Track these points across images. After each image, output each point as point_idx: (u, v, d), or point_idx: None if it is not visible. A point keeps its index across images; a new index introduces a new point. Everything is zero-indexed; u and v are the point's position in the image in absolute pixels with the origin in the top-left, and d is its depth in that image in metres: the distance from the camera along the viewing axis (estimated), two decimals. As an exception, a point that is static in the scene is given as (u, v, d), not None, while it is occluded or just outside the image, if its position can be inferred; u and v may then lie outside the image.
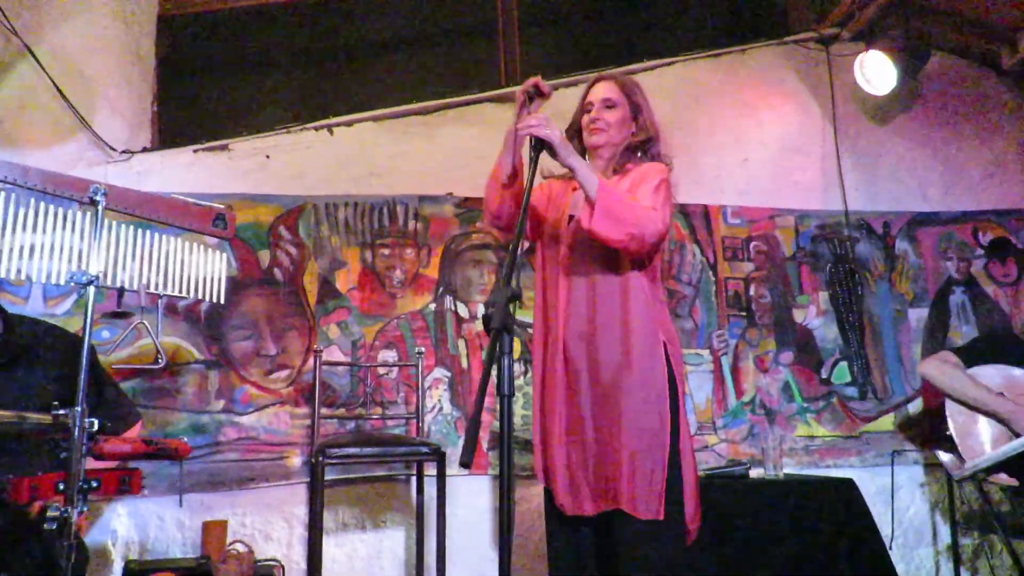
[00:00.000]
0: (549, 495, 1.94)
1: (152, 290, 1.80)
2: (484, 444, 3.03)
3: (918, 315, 3.55)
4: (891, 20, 3.49)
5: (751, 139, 3.61)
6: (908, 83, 3.54)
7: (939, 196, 3.72)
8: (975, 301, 3.60)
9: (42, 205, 1.68)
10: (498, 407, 1.90)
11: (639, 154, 2.02)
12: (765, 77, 3.70)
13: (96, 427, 1.54)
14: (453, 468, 2.75)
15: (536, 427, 1.98)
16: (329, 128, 3.25)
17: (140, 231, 1.82)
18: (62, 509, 1.44)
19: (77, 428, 1.50)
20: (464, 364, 3.09)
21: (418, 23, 3.95)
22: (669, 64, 3.56)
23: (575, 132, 2.08)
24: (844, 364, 3.44)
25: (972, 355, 2.72)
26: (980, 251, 3.66)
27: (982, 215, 3.71)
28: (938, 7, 3.47)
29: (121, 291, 1.74)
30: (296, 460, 2.88)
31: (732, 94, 3.64)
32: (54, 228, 1.68)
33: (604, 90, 2.03)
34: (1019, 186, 3.78)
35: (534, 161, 1.73)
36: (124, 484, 1.61)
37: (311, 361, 2.88)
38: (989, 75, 3.85)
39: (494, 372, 1.30)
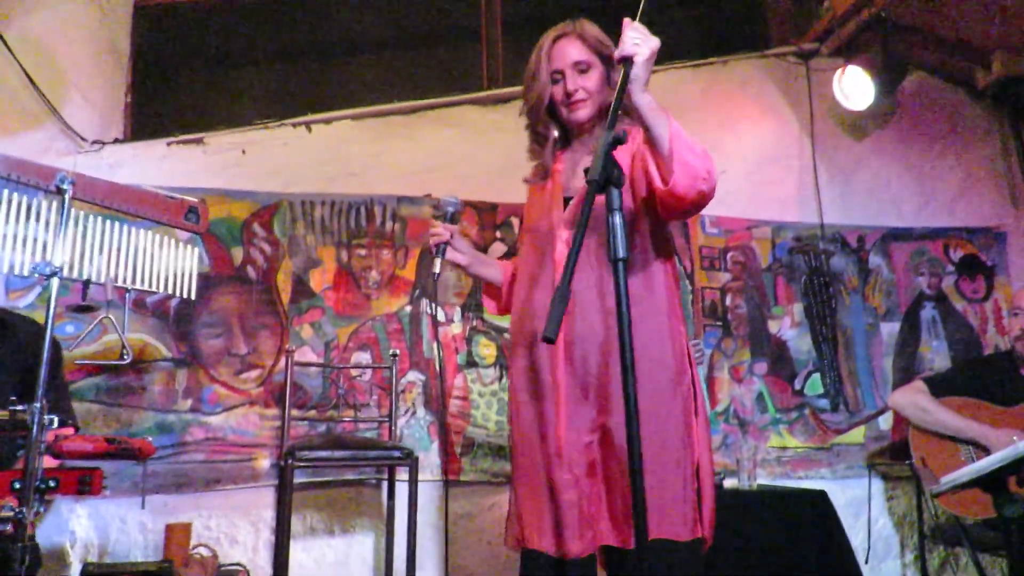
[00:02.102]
0: (534, 559, 1.59)
1: (119, 284, 1.75)
2: (457, 449, 3.00)
3: (890, 329, 3.59)
4: (869, 37, 3.53)
5: (730, 150, 3.62)
6: (885, 99, 3.59)
7: (913, 212, 3.77)
8: (945, 317, 3.65)
9: (5, 193, 1.62)
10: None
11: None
12: (745, 89, 3.73)
13: (56, 424, 1.48)
14: (425, 473, 2.71)
15: (523, 453, 1.66)
16: (307, 125, 3.20)
17: (108, 223, 1.77)
18: (16, 510, 1.38)
19: (36, 425, 1.44)
20: (439, 368, 3.06)
21: (401, 23, 3.91)
22: (662, 71, 3.57)
23: (540, 110, 1.73)
24: (817, 376, 3.46)
25: (942, 385, 2.74)
26: (951, 267, 3.72)
27: (954, 232, 3.77)
28: (916, 26, 3.52)
29: (87, 284, 1.69)
30: (264, 462, 2.81)
31: (713, 104, 3.66)
32: (18, 218, 1.62)
33: (572, 51, 1.69)
34: (990, 204, 3.85)
35: (440, 264, 1.74)
36: (84, 484, 1.55)
37: (283, 361, 2.83)
38: (964, 94, 3.92)
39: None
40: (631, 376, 1.26)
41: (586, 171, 1.22)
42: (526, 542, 1.61)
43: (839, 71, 3.55)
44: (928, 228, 3.75)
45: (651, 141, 1.48)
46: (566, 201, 1.70)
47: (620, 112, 1.46)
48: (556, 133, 1.76)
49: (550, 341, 1.12)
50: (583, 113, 1.69)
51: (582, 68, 1.68)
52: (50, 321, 1.50)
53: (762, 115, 3.73)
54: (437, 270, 1.71)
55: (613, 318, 1.43)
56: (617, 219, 1.17)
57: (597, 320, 1.58)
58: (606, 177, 1.17)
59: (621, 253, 1.18)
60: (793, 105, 3.75)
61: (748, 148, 3.67)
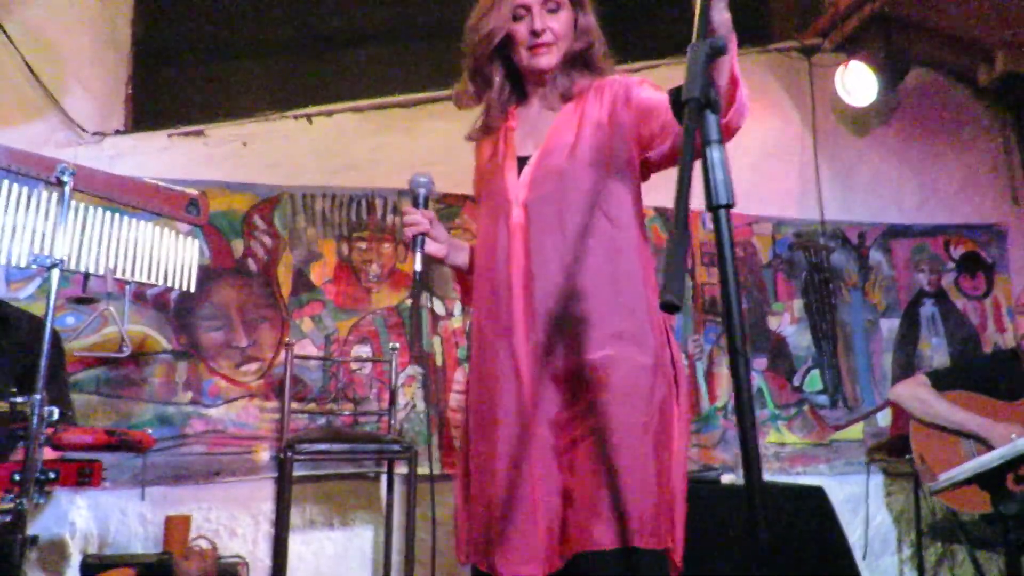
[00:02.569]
0: None
1: (120, 276, 1.75)
2: (456, 443, 3.00)
3: (889, 326, 3.59)
4: (872, 33, 3.52)
5: (731, 144, 3.60)
6: (887, 96, 3.58)
7: (913, 208, 3.77)
8: (945, 314, 3.65)
9: (5, 183, 1.61)
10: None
11: (580, 68, 1.48)
12: (747, 83, 3.68)
13: (57, 416, 1.49)
14: (424, 467, 2.71)
15: (473, 458, 1.44)
16: (308, 117, 3.19)
17: (109, 214, 1.76)
18: (17, 501, 1.38)
19: (36, 416, 1.44)
20: (439, 362, 3.06)
21: (403, 15, 3.90)
22: (653, 67, 3.55)
23: (488, 47, 1.46)
24: (816, 372, 3.47)
25: (945, 380, 2.74)
26: (951, 264, 3.72)
27: (954, 229, 3.76)
28: (918, 22, 3.51)
29: (87, 276, 1.69)
30: (264, 455, 2.82)
31: (714, 100, 3.64)
32: (17, 208, 1.62)
33: None
34: (991, 201, 3.84)
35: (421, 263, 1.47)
36: (84, 476, 1.55)
37: (283, 354, 2.83)
38: (966, 91, 3.91)
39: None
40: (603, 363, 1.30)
41: (674, 91, 0.97)
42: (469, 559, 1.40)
43: (842, 67, 3.54)
44: (929, 225, 3.75)
45: (719, 68, 1.25)
46: (520, 162, 1.48)
47: (580, 67, 1.45)
48: (500, 80, 1.51)
49: (673, 308, 0.80)
50: (548, 59, 1.44)
51: (551, 7, 1.44)
52: (50, 313, 1.50)
53: (764, 110, 3.72)
54: (419, 267, 1.45)
55: (583, 299, 1.34)
56: (716, 154, 0.93)
57: (564, 301, 1.36)
58: (706, 97, 0.91)
59: (724, 198, 0.93)
60: (795, 100, 3.74)
61: (750, 143, 3.66)
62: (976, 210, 3.82)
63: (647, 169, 1.49)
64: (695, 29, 1.05)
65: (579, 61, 1.48)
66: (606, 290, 1.37)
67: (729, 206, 0.94)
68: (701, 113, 0.93)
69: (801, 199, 3.65)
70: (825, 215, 3.64)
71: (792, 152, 3.70)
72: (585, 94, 1.47)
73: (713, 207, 0.94)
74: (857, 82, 3.51)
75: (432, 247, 1.49)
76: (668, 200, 3.11)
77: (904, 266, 3.68)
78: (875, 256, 3.66)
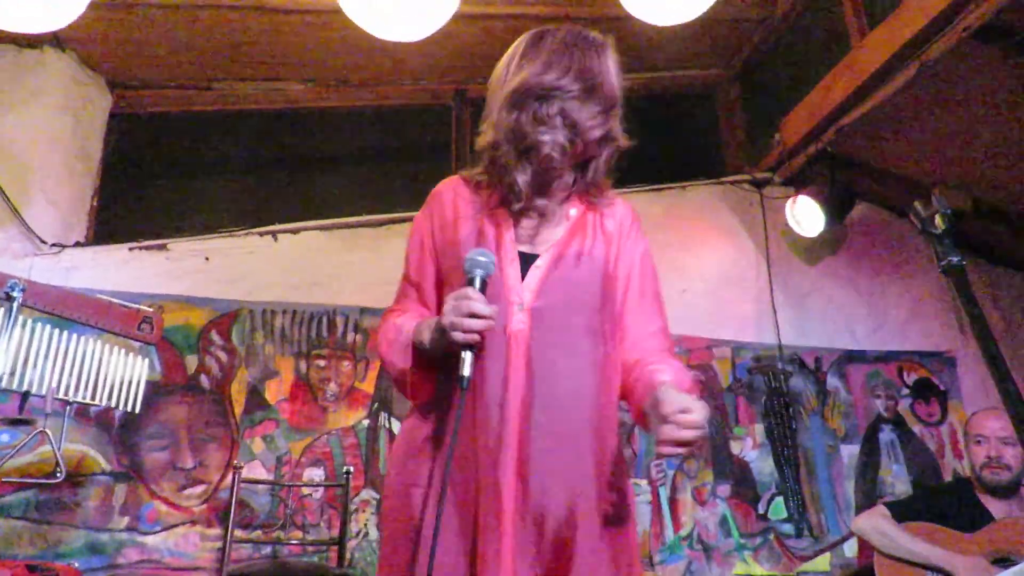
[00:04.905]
0: None
1: (61, 395, 1.67)
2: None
3: (850, 451, 3.59)
4: (818, 169, 3.74)
5: (690, 271, 3.72)
6: (835, 227, 3.76)
7: (866, 335, 3.86)
8: (904, 440, 3.68)
9: (-50, 298, 1.57)
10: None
11: (593, 172, 1.37)
12: (703, 213, 3.88)
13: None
14: (375, 601, 2.54)
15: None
16: (274, 234, 3.22)
17: (57, 330, 1.71)
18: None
19: (-51, 550, 1.33)
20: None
21: (372, 138, 4.04)
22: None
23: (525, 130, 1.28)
24: (780, 499, 3.41)
25: (904, 511, 2.72)
26: (906, 390, 3.78)
27: (907, 355, 3.86)
28: (861, 161, 3.75)
29: (25, 395, 1.61)
30: (202, 587, 2.62)
31: (673, 226, 3.79)
32: (-40, 323, 1.56)
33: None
34: (939, 330, 3.97)
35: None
36: (-4, 617, 1.41)
37: (230, 477, 2.69)
38: (909, 225, 4.12)
39: None
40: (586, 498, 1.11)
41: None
42: None
43: (791, 199, 3.72)
44: (882, 351, 3.83)
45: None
46: (523, 259, 1.31)
47: (593, 172, 1.33)
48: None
49: None
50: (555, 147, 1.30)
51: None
52: (-20, 435, 1.42)
53: (720, 238, 3.86)
54: (467, 373, 1.18)
55: (579, 446, 1.20)
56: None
57: (562, 439, 1.20)
58: None
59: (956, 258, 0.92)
60: (749, 230, 3.90)
61: (707, 269, 3.78)
62: (926, 338, 3.94)
63: None
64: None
65: (594, 166, 1.36)
66: (600, 440, 1.25)
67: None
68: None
69: (758, 324, 3.73)
70: (782, 340, 3.71)
71: (748, 278, 3.82)
72: (595, 204, 1.38)
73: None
74: (806, 214, 3.68)
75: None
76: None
77: (861, 391, 3.73)
78: (832, 381, 3.70)
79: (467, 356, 1.17)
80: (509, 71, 1.31)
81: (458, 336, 1.16)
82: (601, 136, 1.31)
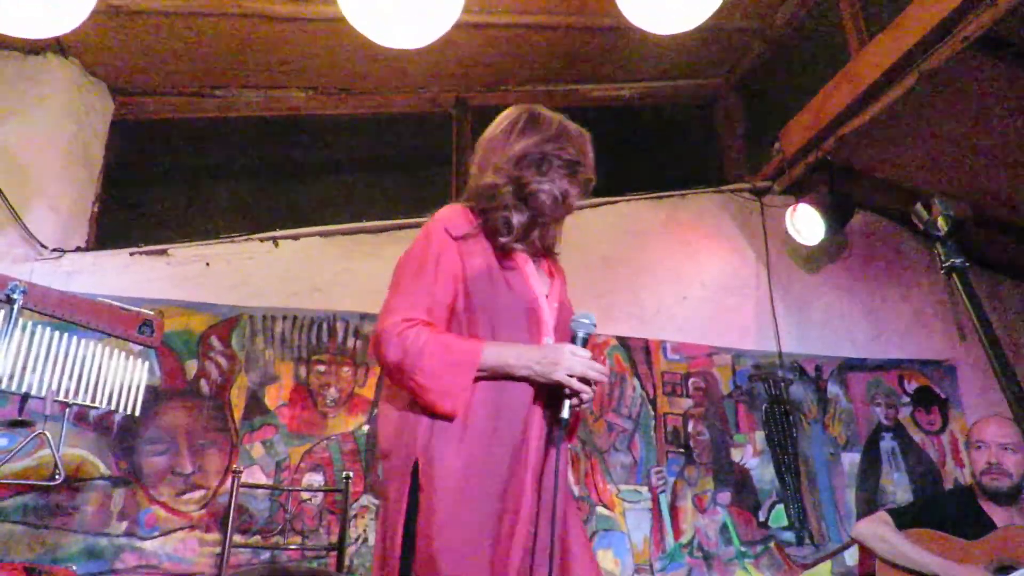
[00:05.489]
0: None
1: (61, 398, 1.67)
2: None
3: (851, 459, 3.58)
4: (817, 178, 3.75)
5: (690, 278, 3.73)
6: (835, 236, 3.77)
7: (866, 343, 3.86)
8: (904, 448, 3.67)
9: (-49, 300, 1.57)
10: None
11: (558, 227, 1.68)
12: (703, 221, 3.89)
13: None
14: (373, 608, 2.53)
15: None
16: (274, 240, 3.22)
17: (58, 333, 1.71)
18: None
19: (-53, 551, 1.32)
20: (394, 492, 2.93)
21: (373, 146, 4.06)
22: (614, 203, 3.71)
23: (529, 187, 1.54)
24: (781, 507, 3.40)
25: (906, 518, 2.71)
26: (907, 398, 3.78)
27: (907, 363, 3.86)
28: (860, 170, 3.76)
29: (25, 397, 1.61)
30: (199, 593, 2.61)
31: (673, 235, 3.79)
32: (-39, 325, 1.56)
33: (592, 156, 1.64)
34: (939, 338, 3.97)
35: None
36: (-7, 619, 1.41)
37: (229, 482, 2.69)
38: (908, 233, 4.14)
39: None
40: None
41: None
42: None
43: (791, 208, 3.74)
44: (882, 359, 3.83)
45: None
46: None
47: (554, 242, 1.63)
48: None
49: None
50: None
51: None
52: (-20, 436, 1.42)
53: (720, 246, 3.87)
54: (566, 415, 1.44)
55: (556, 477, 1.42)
56: None
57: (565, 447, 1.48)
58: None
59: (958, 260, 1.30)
60: (749, 238, 3.91)
61: (707, 276, 3.78)
62: (926, 346, 3.94)
63: None
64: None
65: (558, 228, 1.65)
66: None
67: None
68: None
69: (758, 332, 3.73)
70: (782, 347, 3.71)
71: (748, 286, 3.82)
72: (554, 259, 1.67)
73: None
74: (806, 223, 3.69)
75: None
76: (630, 330, 3.13)
77: (861, 399, 3.72)
78: (832, 389, 3.70)
79: (568, 403, 1.43)
80: (511, 137, 1.58)
81: (580, 386, 1.43)
82: (574, 206, 1.60)
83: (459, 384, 1.41)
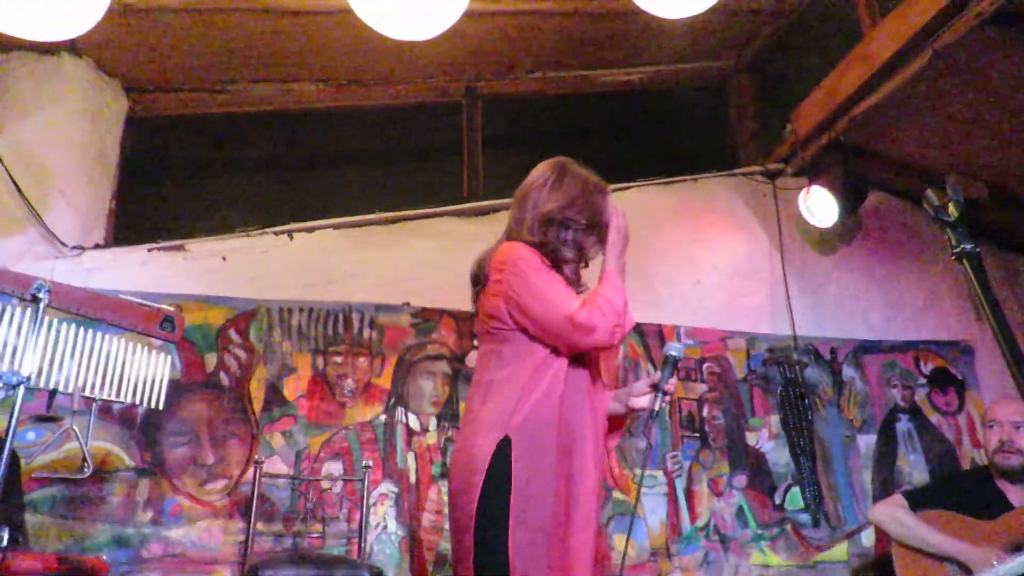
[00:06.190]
0: None
1: (87, 393, 1.71)
2: (429, 566, 2.87)
3: (867, 441, 3.59)
4: (831, 159, 3.73)
5: (703, 263, 3.73)
6: (849, 217, 3.74)
7: (881, 325, 3.85)
8: (920, 430, 3.66)
9: (-21, 299, 1.61)
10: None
11: None
12: (716, 205, 3.88)
13: (5, 541, 1.41)
14: (394, 593, 2.58)
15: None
16: (289, 233, 3.25)
17: (81, 329, 1.75)
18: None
19: (-17, 543, 1.37)
20: (412, 479, 2.98)
21: (385, 138, 4.07)
22: (625, 188, 3.71)
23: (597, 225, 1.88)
24: (797, 490, 3.41)
25: (922, 499, 2.71)
26: (923, 380, 3.77)
27: (923, 345, 3.84)
28: (872, 150, 3.73)
29: (53, 393, 1.65)
30: (225, 581, 2.67)
31: (685, 219, 3.79)
32: (-11, 323, 1.60)
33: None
34: (955, 318, 3.95)
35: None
36: (29, 607, 1.46)
37: (251, 472, 2.74)
38: (922, 214, 4.10)
39: None
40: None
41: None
42: None
43: (804, 190, 3.72)
44: (898, 341, 3.82)
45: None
46: None
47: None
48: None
49: None
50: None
51: None
52: (11, 433, 1.46)
53: (732, 230, 3.86)
54: (658, 407, 1.71)
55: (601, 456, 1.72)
56: None
57: (593, 454, 1.68)
58: None
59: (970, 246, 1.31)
60: (762, 221, 3.90)
61: (720, 261, 3.78)
62: (942, 326, 3.92)
63: None
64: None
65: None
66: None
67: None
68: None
69: (773, 315, 3.73)
70: (797, 331, 3.71)
71: (762, 270, 3.81)
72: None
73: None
74: (819, 205, 3.67)
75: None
76: (643, 315, 3.14)
77: (877, 381, 3.72)
78: (848, 371, 3.70)
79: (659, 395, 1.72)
80: (543, 193, 1.85)
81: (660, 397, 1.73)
82: (591, 256, 1.89)
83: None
